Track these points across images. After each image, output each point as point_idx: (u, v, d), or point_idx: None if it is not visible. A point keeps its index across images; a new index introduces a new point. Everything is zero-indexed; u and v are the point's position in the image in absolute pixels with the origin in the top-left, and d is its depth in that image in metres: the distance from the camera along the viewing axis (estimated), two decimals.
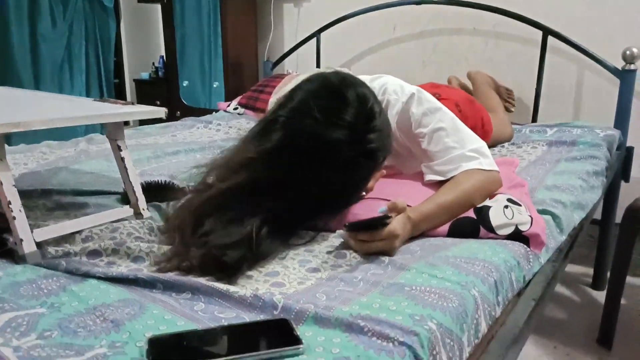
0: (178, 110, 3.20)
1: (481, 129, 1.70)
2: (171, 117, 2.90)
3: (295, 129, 0.88)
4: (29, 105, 1.02)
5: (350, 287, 0.75)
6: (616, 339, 1.71)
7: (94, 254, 0.86)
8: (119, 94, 3.84)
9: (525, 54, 2.32)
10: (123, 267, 0.84)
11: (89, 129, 2.92)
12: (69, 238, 0.89)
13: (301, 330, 0.63)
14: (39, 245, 0.84)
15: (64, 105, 1.03)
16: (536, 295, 0.94)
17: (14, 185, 0.83)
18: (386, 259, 0.85)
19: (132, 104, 1.03)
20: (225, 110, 2.51)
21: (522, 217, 0.98)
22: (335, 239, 0.96)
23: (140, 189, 1.02)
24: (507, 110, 2.17)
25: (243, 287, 0.75)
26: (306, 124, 0.87)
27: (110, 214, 0.98)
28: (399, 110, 1.14)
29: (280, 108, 0.92)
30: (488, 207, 1.00)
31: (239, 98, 2.56)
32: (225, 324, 0.65)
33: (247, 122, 2.23)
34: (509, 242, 0.95)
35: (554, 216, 1.11)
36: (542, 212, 1.10)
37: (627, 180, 2.06)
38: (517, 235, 0.96)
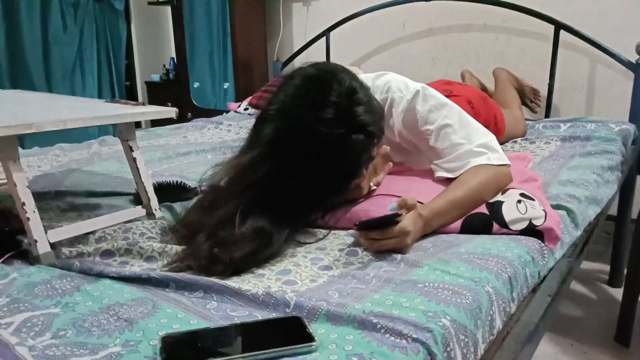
0: (189, 111, 3.21)
1: (494, 126, 1.68)
2: (182, 119, 2.92)
3: (286, 119, 0.92)
4: (42, 107, 1.03)
5: (363, 284, 0.75)
6: (634, 337, 1.69)
7: (107, 254, 0.87)
8: (131, 96, 3.86)
9: (537, 49, 2.29)
10: (136, 267, 0.85)
11: (101, 131, 2.94)
12: (82, 239, 0.90)
13: (314, 328, 0.63)
14: (53, 246, 0.85)
15: (75, 106, 1.04)
16: (551, 291, 0.92)
17: (27, 186, 0.83)
18: (398, 256, 0.85)
19: (143, 104, 1.03)
20: (235, 111, 2.52)
21: (535, 211, 0.97)
22: (346, 237, 0.96)
23: (152, 190, 1.03)
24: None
25: (255, 286, 0.76)
26: (295, 112, 0.91)
27: (122, 214, 0.98)
28: (404, 108, 1.13)
29: (269, 104, 0.95)
30: (501, 202, 0.99)
31: (249, 98, 2.56)
32: (238, 322, 0.65)
33: None
34: (522, 237, 0.94)
35: (569, 211, 1.09)
36: (557, 207, 1.09)
37: None
38: (531, 231, 0.95)
